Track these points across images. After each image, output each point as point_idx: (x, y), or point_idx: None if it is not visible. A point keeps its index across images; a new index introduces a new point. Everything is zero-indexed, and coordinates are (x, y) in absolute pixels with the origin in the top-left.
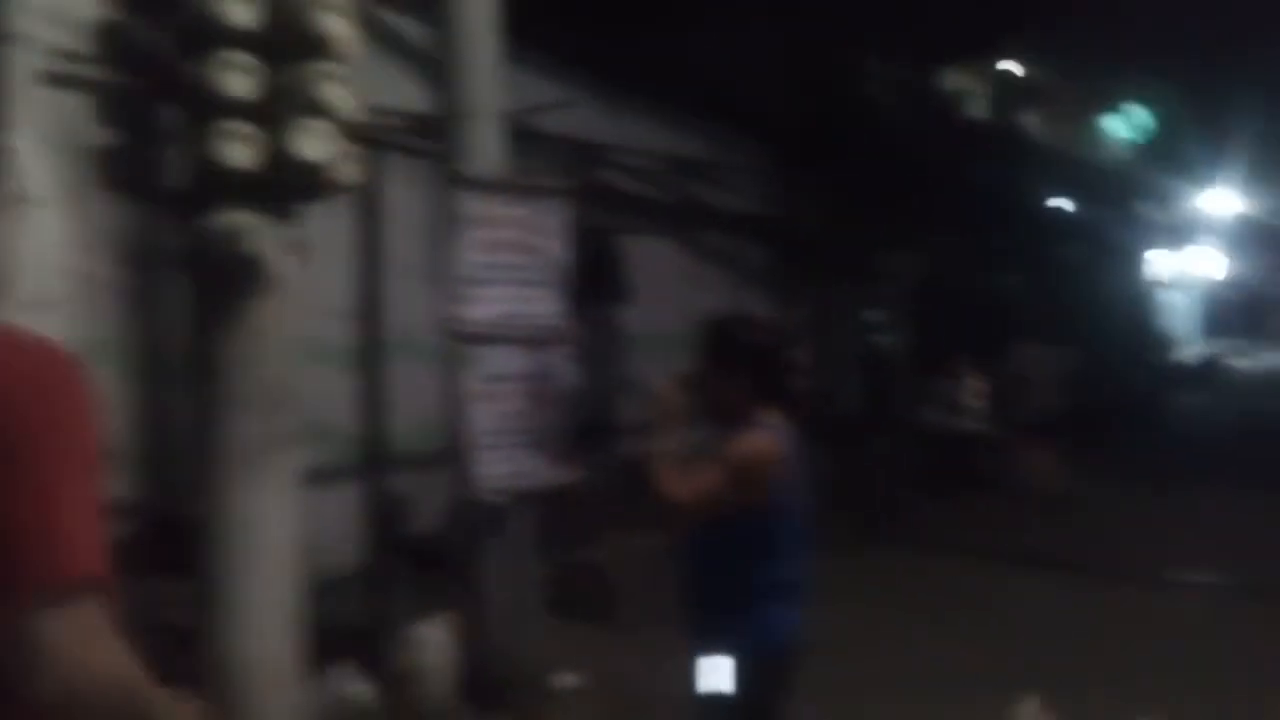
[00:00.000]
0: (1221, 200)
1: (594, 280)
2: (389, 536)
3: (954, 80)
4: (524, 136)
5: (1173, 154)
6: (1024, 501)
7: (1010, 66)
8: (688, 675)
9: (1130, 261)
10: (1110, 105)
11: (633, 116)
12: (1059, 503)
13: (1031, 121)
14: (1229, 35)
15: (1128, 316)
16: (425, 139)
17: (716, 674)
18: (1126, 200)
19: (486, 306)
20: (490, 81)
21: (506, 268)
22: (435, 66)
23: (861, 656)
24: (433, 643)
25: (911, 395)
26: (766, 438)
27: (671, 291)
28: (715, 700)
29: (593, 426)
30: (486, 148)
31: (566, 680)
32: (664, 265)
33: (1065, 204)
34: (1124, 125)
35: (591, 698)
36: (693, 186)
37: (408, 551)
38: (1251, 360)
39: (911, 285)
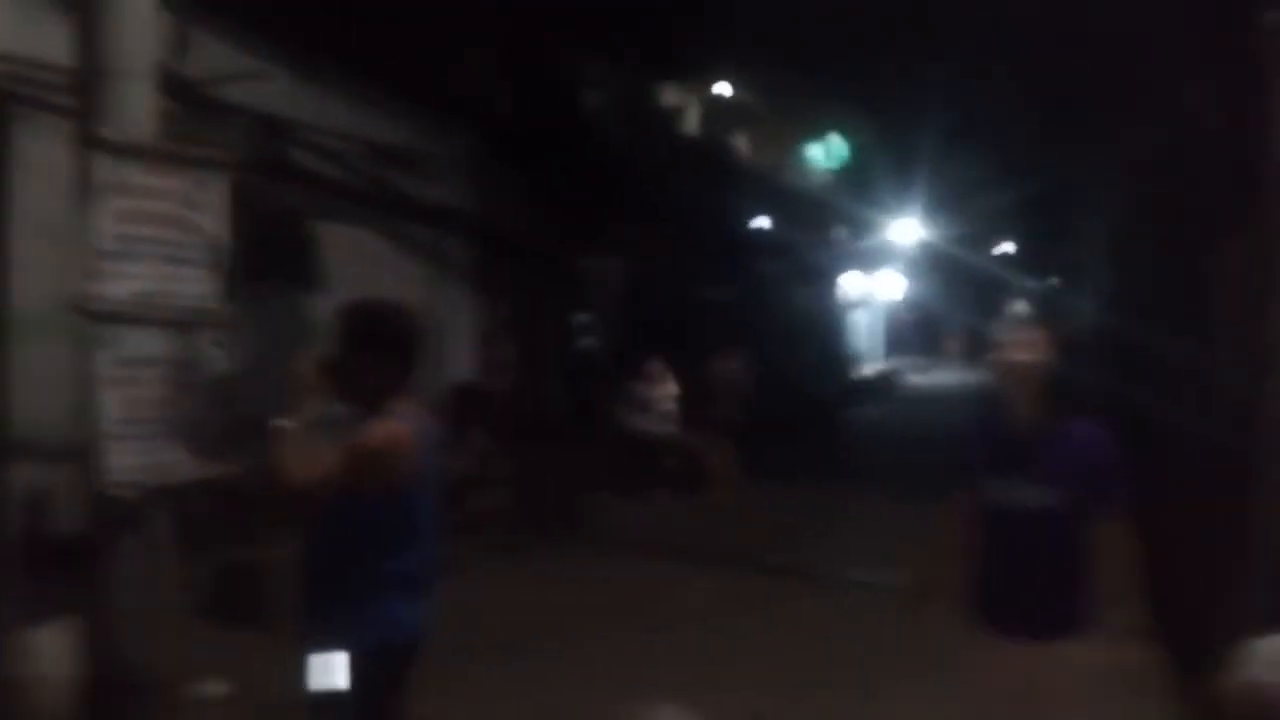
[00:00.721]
0: (906, 228)
1: (279, 264)
2: (15, 534)
3: (670, 97)
4: (206, 106)
5: (865, 183)
6: (702, 503)
7: (723, 89)
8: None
9: (824, 281)
10: (812, 134)
11: (333, 96)
12: (732, 504)
13: (741, 143)
14: (914, 79)
15: (818, 332)
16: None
17: (330, 671)
18: (823, 224)
19: (124, 283)
20: (144, 37)
21: (151, 242)
22: (81, 14)
23: (518, 652)
24: (49, 651)
25: (611, 398)
26: (398, 426)
27: (368, 281)
28: (328, 699)
29: (258, 418)
30: (134, 110)
31: (210, 688)
32: (361, 253)
33: (767, 223)
34: (823, 153)
35: (235, 705)
36: (394, 174)
37: (41, 551)
38: (926, 376)
39: (616, 291)
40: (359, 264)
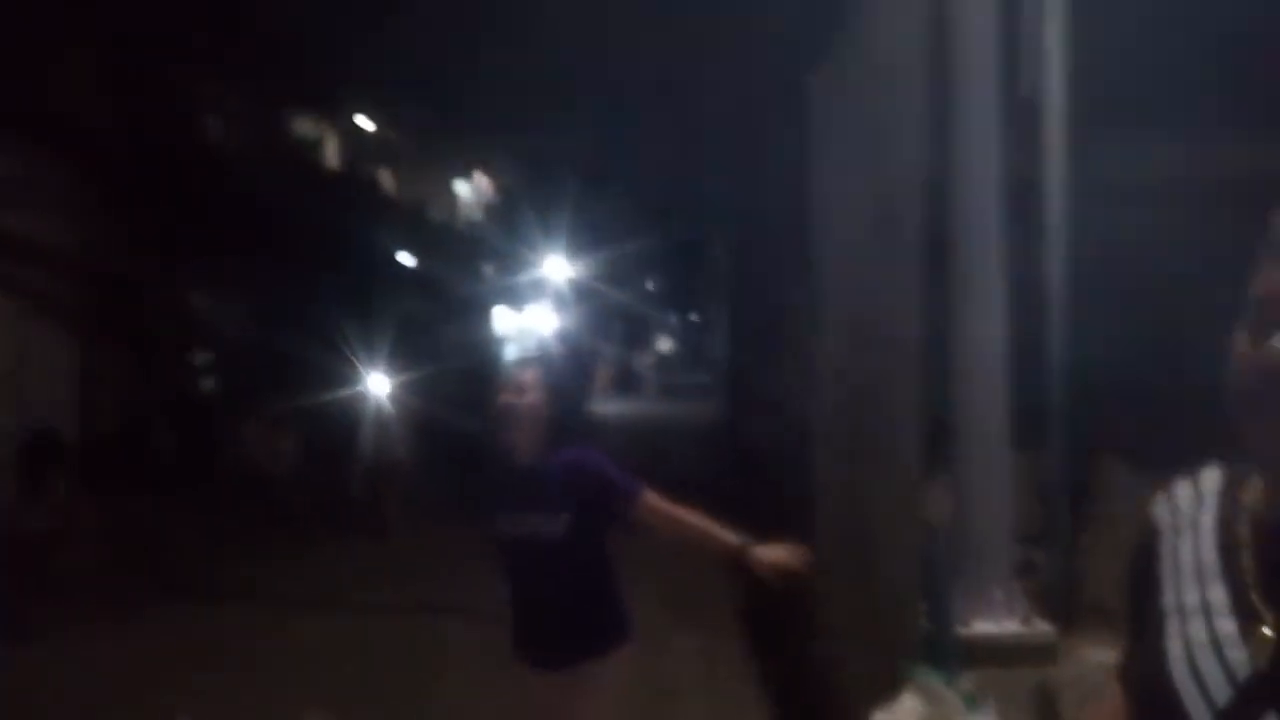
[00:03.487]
0: (555, 265)
1: None
2: None
3: (304, 127)
4: None
5: (514, 221)
6: (341, 540)
7: (364, 122)
8: None
9: (475, 317)
10: (460, 172)
11: None
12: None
13: (385, 178)
14: (557, 122)
15: (470, 367)
16: None
17: None
18: (473, 260)
19: None
20: None
21: None
22: None
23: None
24: None
25: (229, 438)
26: None
27: None
28: None
29: None
30: None
31: None
32: None
33: (413, 259)
34: (472, 191)
35: None
36: None
37: None
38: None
39: (238, 329)
40: None
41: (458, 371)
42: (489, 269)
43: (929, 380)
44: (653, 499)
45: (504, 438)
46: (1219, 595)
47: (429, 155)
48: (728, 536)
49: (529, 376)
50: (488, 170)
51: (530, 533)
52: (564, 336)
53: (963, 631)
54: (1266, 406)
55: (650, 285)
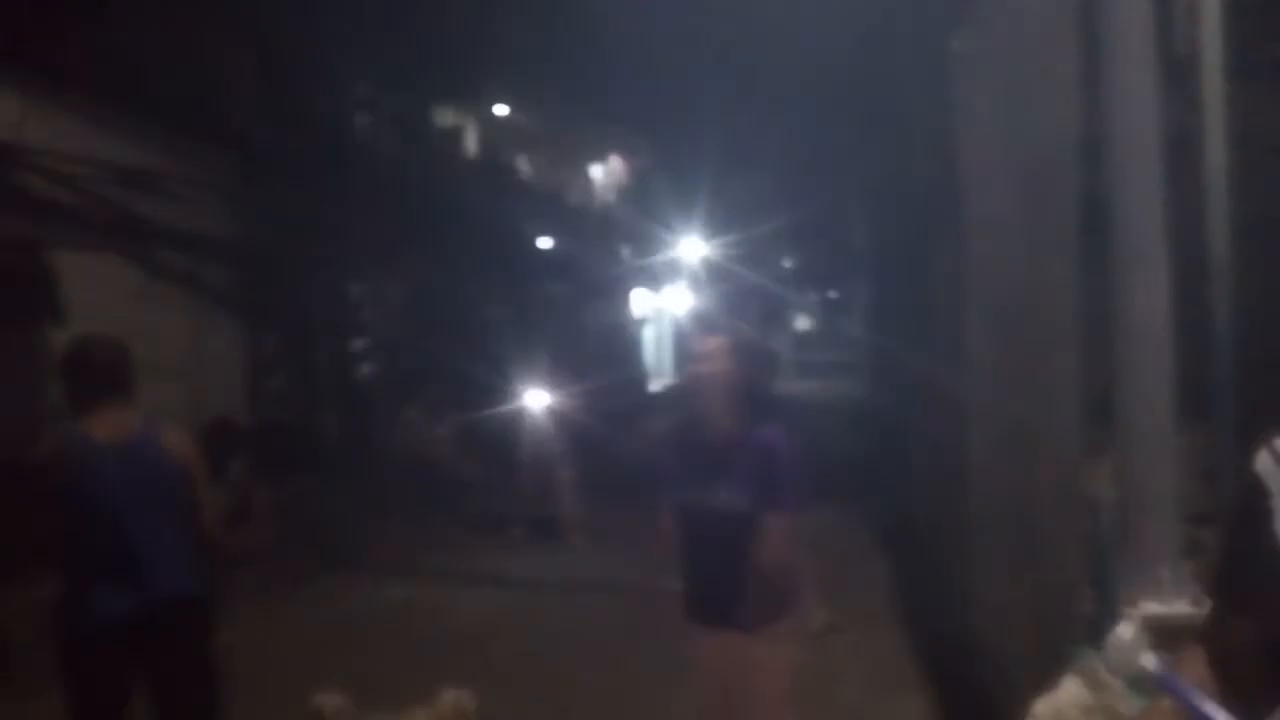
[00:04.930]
0: (691, 246)
1: (12, 296)
2: None
3: (446, 118)
4: None
5: (649, 203)
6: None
7: (501, 110)
8: None
9: (614, 298)
10: (595, 155)
11: (69, 118)
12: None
13: (523, 164)
14: (691, 103)
15: (613, 348)
16: None
17: None
18: (611, 243)
19: None
20: None
21: None
22: None
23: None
24: None
25: (387, 423)
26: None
27: (118, 312)
28: None
29: None
30: None
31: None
32: (108, 284)
33: (554, 243)
34: (606, 174)
35: None
36: (142, 199)
37: None
38: None
39: (394, 315)
40: (107, 295)
41: (603, 354)
42: (626, 251)
43: (1090, 355)
44: (788, 525)
45: (694, 407)
46: None
47: (563, 140)
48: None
49: (715, 345)
50: (623, 153)
51: (716, 505)
52: (701, 316)
53: (1129, 613)
54: None
55: (787, 263)
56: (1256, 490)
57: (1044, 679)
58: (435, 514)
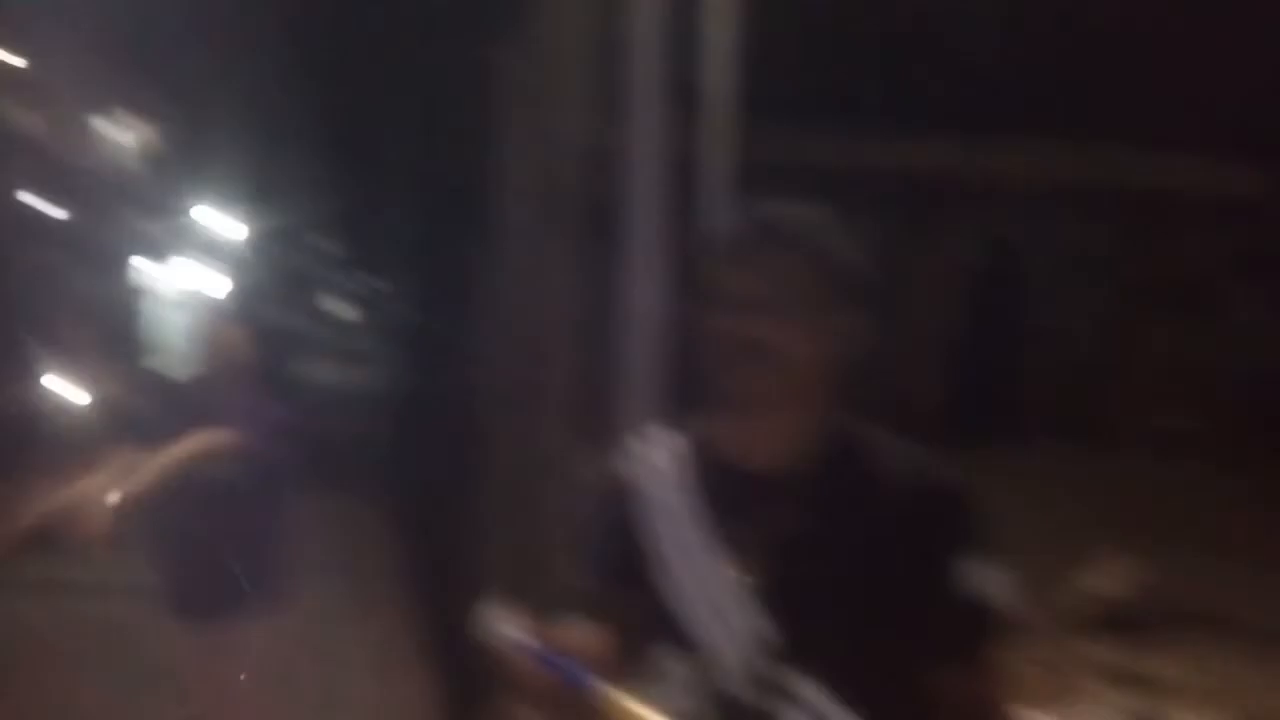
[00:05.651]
0: (216, 217)
1: None
2: None
3: None
4: None
5: (177, 170)
6: None
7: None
8: None
9: (121, 270)
10: (112, 112)
11: None
12: None
13: (23, 116)
14: (228, 74)
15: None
16: None
17: None
18: (126, 210)
19: None
20: None
21: None
22: None
23: None
24: None
25: None
26: None
27: None
28: None
29: None
30: None
31: None
32: None
33: (52, 206)
34: (128, 134)
35: None
36: None
37: None
38: None
39: None
40: None
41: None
42: (143, 218)
43: (591, 347)
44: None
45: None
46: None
47: (78, 92)
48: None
49: (228, 333)
50: (147, 112)
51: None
52: (219, 302)
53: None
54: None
55: (339, 242)
56: (623, 483)
57: None
58: None
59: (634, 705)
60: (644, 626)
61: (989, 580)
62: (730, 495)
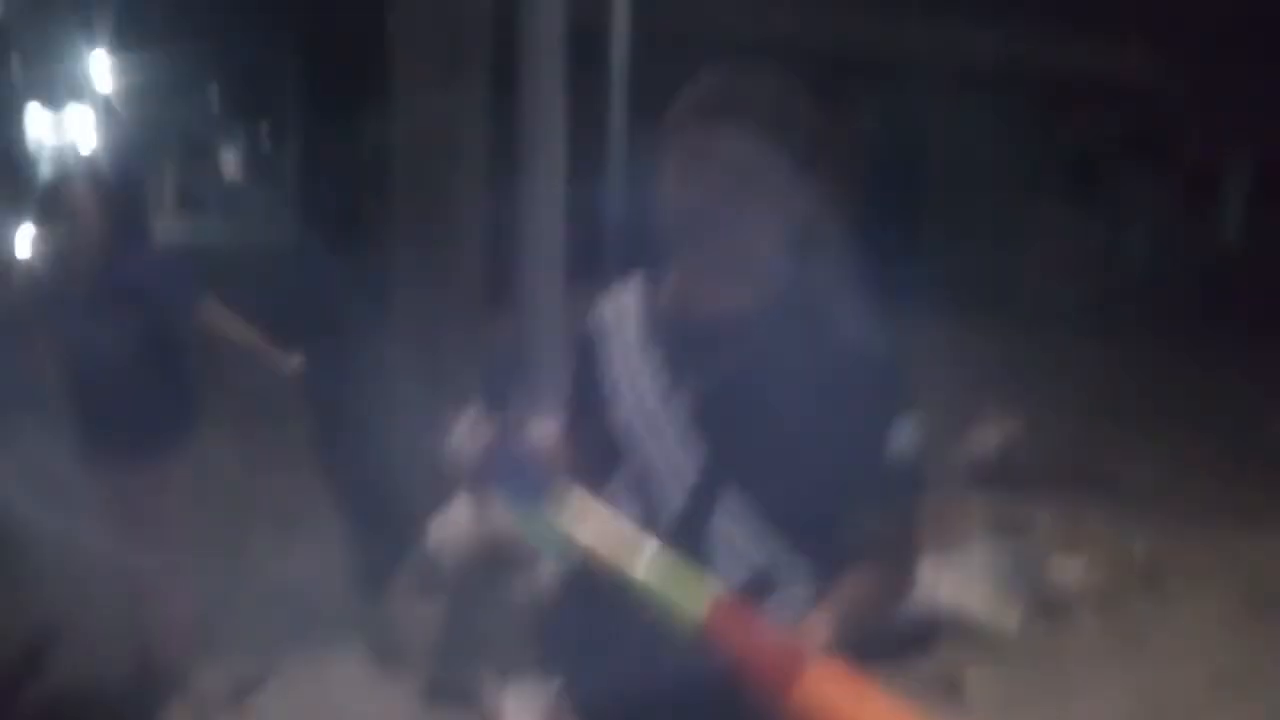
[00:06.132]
0: (98, 61)
1: None
2: None
3: None
4: None
5: (50, 10)
6: None
7: None
8: None
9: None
10: None
11: None
12: None
13: None
14: None
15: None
16: None
17: None
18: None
19: None
20: None
21: None
22: None
23: None
24: None
25: None
26: None
27: None
28: None
29: None
30: None
31: None
32: None
33: None
34: None
35: None
36: None
37: None
38: None
39: None
40: None
41: None
42: (17, 64)
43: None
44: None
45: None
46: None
47: None
48: None
49: (77, 195)
50: None
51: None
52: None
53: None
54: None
55: (219, 91)
56: (593, 336)
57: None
58: None
59: (589, 501)
60: (599, 449)
61: (908, 437)
62: (680, 337)
